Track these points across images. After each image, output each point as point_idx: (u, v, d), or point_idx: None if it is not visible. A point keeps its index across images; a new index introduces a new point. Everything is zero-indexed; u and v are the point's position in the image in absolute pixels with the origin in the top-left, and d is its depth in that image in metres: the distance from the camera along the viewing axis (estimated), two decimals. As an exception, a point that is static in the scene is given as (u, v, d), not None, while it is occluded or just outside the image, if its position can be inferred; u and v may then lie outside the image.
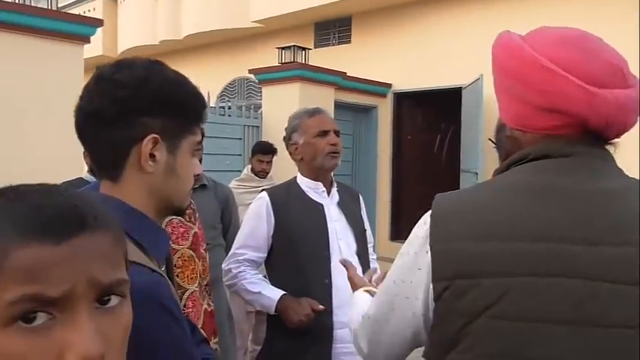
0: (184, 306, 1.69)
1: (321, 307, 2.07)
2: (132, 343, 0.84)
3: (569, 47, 0.92)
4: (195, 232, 1.84)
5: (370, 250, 2.39)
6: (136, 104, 0.94)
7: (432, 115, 8.18)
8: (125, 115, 0.93)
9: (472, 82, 6.46)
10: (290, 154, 2.33)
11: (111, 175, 0.97)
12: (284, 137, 2.35)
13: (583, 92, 0.89)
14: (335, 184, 2.34)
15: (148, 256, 0.94)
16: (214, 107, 6.51)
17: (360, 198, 2.46)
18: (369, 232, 2.40)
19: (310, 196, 2.27)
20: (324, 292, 2.13)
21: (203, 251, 1.93)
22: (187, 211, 1.84)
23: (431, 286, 0.93)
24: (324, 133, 2.23)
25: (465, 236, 0.91)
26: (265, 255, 2.25)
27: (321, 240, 2.18)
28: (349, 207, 2.33)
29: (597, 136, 0.95)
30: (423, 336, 0.99)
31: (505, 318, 0.86)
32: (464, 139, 6.77)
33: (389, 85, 7.79)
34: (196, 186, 2.88)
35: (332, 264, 2.16)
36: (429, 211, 0.98)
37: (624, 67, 0.93)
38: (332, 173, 2.34)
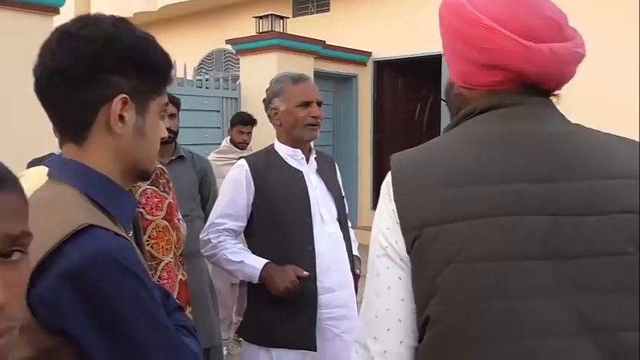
0: (159, 277, 1.65)
1: (305, 273, 2.06)
2: (97, 312, 0.81)
3: (506, 4, 0.96)
4: (169, 203, 1.79)
5: None
6: (105, 62, 0.90)
7: (412, 82, 8.13)
8: (94, 74, 0.89)
9: (452, 49, 6.40)
10: (269, 116, 2.29)
11: (76, 138, 0.93)
12: (264, 99, 2.30)
13: (520, 47, 0.93)
14: (314, 152, 2.32)
15: (114, 221, 0.91)
16: (191, 80, 6.39)
17: (335, 165, 2.45)
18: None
19: (290, 163, 2.24)
20: (307, 258, 2.12)
21: (177, 221, 1.89)
22: (161, 181, 1.80)
23: (403, 239, 0.93)
24: (306, 104, 2.19)
25: (427, 186, 0.93)
26: (245, 224, 2.22)
27: (302, 207, 2.17)
28: (327, 174, 2.32)
29: (538, 89, 0.99)
30: None
31: (476, 260, 0.88)
32: (444, 107, 6.74)
33: (369, 54, 7.72)
34: (173, 157, 2.82)
35: (314, 231, 2.15)
36: (388, 175, 1.00)
37: (562, 20, 0.96)
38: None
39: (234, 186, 2.19)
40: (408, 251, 0.93)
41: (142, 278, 0.86)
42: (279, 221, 2.15)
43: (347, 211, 2.41)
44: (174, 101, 2.84)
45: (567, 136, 0.96)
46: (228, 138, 4.41)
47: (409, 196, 0.95)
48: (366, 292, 1.00)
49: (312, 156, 2.30)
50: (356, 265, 2.30)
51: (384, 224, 0.98)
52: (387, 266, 0.96)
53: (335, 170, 2.42)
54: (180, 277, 1.80)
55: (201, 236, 2.24)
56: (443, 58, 6.91)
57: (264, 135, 2.36)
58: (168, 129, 2.77)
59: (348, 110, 7.91)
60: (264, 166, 2.21)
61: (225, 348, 4.21)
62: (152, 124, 0.98)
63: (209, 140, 5.93)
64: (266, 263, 2.10)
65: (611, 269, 0.88)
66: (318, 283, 2.13)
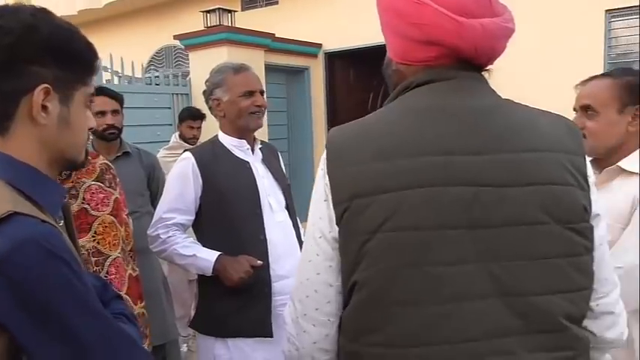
0: (107, 272, 1.64)
1: (259, 262, 2.08)
2: (25, 299, 0.80)
3: None
4: (116, 198, 1.78)
5: None
6: (23, 52, 0.89)
7: (364, 72, 8.18)
8: (12, 64, 0.89)
9: (400, 38, 6.47)
10: (210, 108, 2.28)
11: None
12: (204, 91, 2.28)
13: (453, 23, 0.96)
14: (258, 142, 2.33)
15: (42, 210, 0.90)
16: (140, 77, 6.29)
17: (279, 154, 2.48)
18: None
19: (235, 154, 2.24)
20: (259, 248, 2.14)
21: (126, 217, 1.87)
22: (107, 177, 1.78)
23: (333, 212, 0.99)
24: (249, 94, 2.19)
25: (360, 160, 0.97)
26: (193, 217, 2.21)
27: (252, 198, 2.18)
28: (272, 163, 2.35)
29: (472, 64, 1.03)
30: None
31: (401, 229, 0.92)
32: (396, 95, 6.83)
33: (319, 46, 7.72)
34: (119, 154, 2.79)
35: (264, 220, 2.17)
36: (325, 150, 1.04)
37: None
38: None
39: (181, 179, 2.17)
40: (338, 223, 0.98)
41: (70, 264, 0.85)
42: (228, 213, 2.15)
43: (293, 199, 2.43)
44: (117, 97, 2.80)
45: (496, 110, 1.01)
46: (177, 134, 4.37)
47: (342, 169, 0.99)
48: (300, 257, 1.08)
49: (257, 146, 2.31)
50: None
51: (317, 199, 1.03)
52: (310, 243, 1.03)
53: (279, 159, 2.45)
54: (130, 272, 1.78)
55: (149, 232, 2.20)
56: (392, 48, 6.97)
57: (212, 129, 2.36)
58: (112, 125, 2.74)
59: (302, 102, 7.91)
60: (211, 158, 2.20)
61: (185, 345, 4.18)
62: (77, 114, 0.98)
63: (161, 137, 5.83)
64: (219, 255, 2.10)
65: (525, 238, 0.93)
66: (271, 272, 2.15)
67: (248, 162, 2.24)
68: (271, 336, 2.11)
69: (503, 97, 1.05)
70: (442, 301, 0.92)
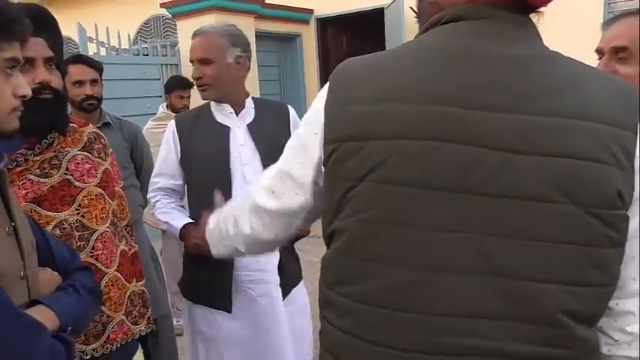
0: (93, 248, 1.55)
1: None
2: None
3: None
4: (105, 169, 1.67)
5: None
6: None
7: (357, 38, 8.03)
8: None
9: (393, 1, 6.34)
10: None
11: None
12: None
13: None
14: (250, 104, 2.19)
15: None
16: (128, 49, 6.15)
17: (291, 113, 2.25)
18: None
19: (217, 118, 2.15)
20: None
21: (120, 189, 1.77)
22: (96, 146, 1.67)
23: (322, 150, 0.95)
24: (197, 62, 2.11)
25: (363, 99, 0.89)
26: (181, 182, 2.21)
27: (222, 165, 2.09)
28: (266, 128, 2.16)
29: (522, 4, 0.89)
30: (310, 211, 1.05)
31: (387, 181, 0.85)
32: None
33: (311, 11, 7.56)
34: (99, 125, 2.68)
35: (233, 190, 2.08)
36: (328, 82, 0.97)
37: None
38: (249, 93, 2.22)
39: (165, 145, 2.20)
40: (324, 163, 0.93)
41: None
42: (200, 180, 2.12)
43: None
44: (96, 66, 2.67)
45: (531, 63, 0.85)
46: (165, 104, 4.26)
47: (338, 108, 0.92)
48: (285, 150, 1.07)
49: (246, 109, 2.17)
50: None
51: (307, 129, 1.00)
52: (295, 158, 1.03)
53: (287, 120, 2.23)
54: (123, 248, 1.69)
55: (147, 196, 2.28)
56: (385, 11, 6.87)
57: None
58: (91, 95, 2.62)
59: (294, 70, 7.77)
60: (191, 124, 2.16)
61: (181, 319, 4.16)
62: None
63: (151, 110, 5.69)
64: (187, 222, 2.11)
65: (528, 215, 0.81)
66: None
67: (228, 127, 2.12)
68: (229, 311, 2.08)
69: (549, 49, 0.89)
70: (418, 267, 0.84)
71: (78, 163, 1.56)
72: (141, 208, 2.87)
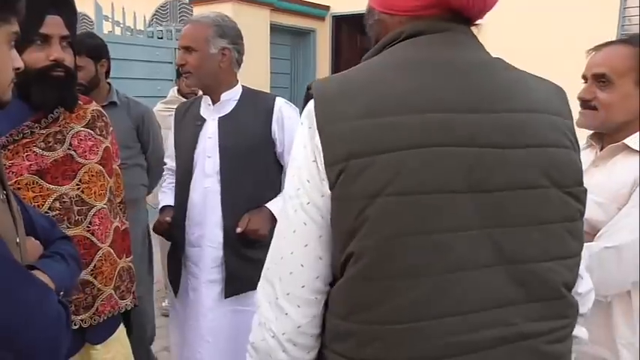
0: (90, 223, 1.58)
1: (167, 219, 2.21)
2: None
3: None
4: (106, 147, 1.70)
5: None
6: None
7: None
8: None
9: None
10: None
11: None
12: None
13: None
14: (231, 96, 2.15)
15: None
16: (142, 30, 6.18)
17: (276, 105, 2.12)
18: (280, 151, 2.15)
19: (200, 109, 2.20)
20: (180, 208, 2.20)
21: (117, 167, 1.80)
22: (99, 124, 1.70)
23: (326, 174, 0.88)
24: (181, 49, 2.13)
25: (355, 115, 0.87)
26: None
27: (187, 155, 2.16)
28: (239, 122, 2.12)
29: (460, 16, 0.96)
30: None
31: (404, 193, 0.84)
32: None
33: (327, 8, 7.57)
34: (105, 104, 2.70)
35: (192, 182, 2.14)
36: (309, 104, 0.92)
37: None
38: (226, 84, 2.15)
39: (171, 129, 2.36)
40: (332, 186, 0.87)
41: None
42: (176, 165, 2.28)
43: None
44: (92, 55, 2.64)
45: (490, 67, 0.95)
46: (176, 88, 4.28)
47: (334, 125, 0.88)
48: (276, 229, 0.96)
49: (222, 102, 2.15)
50: (240, 223, 2.04)
51: (303, 161, 0.92)
52: (295, 209, 0.92)
53: (270, 112, 2.12)
54: (117, 224, 1.73)
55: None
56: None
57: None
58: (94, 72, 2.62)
59: (307, 65, 7.79)
60: (184, 111, 2.26)
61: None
62: None
63: (162, 92, 5.74)
64: (166, 205, 2.29)
65: (526, 202, 0.89)
66: (186, 235, 2.16)
67: (204, 118, 2.15)
68: (175, 292, 2.25)
69: (492, 55, 0.98)
70: (446, 270, 0.86)
71: (81, 140, 1.60)
72: (143, 187, 2.89)
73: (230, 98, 2.15)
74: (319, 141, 0.88)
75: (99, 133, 1.68)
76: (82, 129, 1.62)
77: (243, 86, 2.21)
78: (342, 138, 0.86)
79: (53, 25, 1.44)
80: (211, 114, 2.15)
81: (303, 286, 0.92)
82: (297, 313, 0.92)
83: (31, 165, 1.47)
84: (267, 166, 2.09)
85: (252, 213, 2.05)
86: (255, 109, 2.13)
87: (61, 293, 1.13)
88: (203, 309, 2.15)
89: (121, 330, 1.71)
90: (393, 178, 0.84)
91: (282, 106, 2.11)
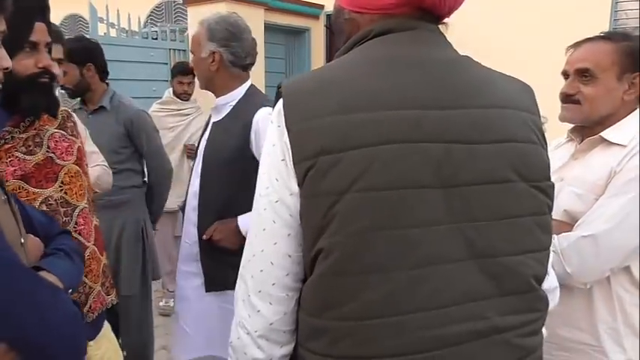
0: (76, 223, 1.60)
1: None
2: None
3: None
4: (79, 147, 1.71)
5: None
6: None
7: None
8: None
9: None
10: None
11: None
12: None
13: None
14: (227, 100, 2.18)
15: None
16: (137, 31, 6.20)
17: (255, 117, 2.08)
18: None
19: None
20: (185, 207, 2.31)
21: (86, 166, 1.83)
22: (69, 124, 1.70)
23: (294, 172, 0.89)
24: None
25: (324, 112, 0.88)
26: None
27: (194, 154, 2.35)
28: (223, 129, 2.16)
29: (429, 14, 0.98)
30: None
31: (373, 189, 0.85)
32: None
33: (321, 7, 7.57)
34: (95, 107, 2.72)
35: (190, 181, 2.26)
36: (279, 103, 0.93)
37: None
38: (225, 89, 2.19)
39: None
40: (300, 184, 0.88)
41: None
42: None
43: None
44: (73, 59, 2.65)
45: (458, 64, 0.96)
46: (171, 89, 4.32)
47: (303, 123, 0.88)
48: (249, 227, 0.98)
49: (217, 107, 2.22)
50: (207, 231, 2.10)
51: (272, 159, 0.92)
52: (264, 207, 0.93)
53: (248, 124, 2.09)
54: (95, 222, 1.75)
55: None
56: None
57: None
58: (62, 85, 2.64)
59: (301, 64, 7.80)
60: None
61: (172, 300, 4.22)
62: None
63: (157, 93, 5.75)
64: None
65: (496, 197, 0.90)
66: (183, 233, 2.29)
67: (210, 121, 2.27)
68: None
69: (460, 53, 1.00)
70: (417, 265, 0.87)
71: (57, 141, 1.60)
72: (136, 188, 2.92)
73: (226, 103, 2.17)
74: (287, 139, 0.89)
75: (70, 133, 1.68)
76: (56, 130, 1.62)
77: (249, 89, 2.18)
78: (311, 135, 0.87)
79: (40, 31, 1.45)
80: (213, 117, 2.23)
81: (273, 284, 0.93)
82: (268, 311, 0.94)
83: (15, 170, 1.47)
84: (243, 175, 2.08)
85: (222, 223, 2.09)
86: (239, 120, 2.12)
87: (70, 291, 1.13)
88: (181, 298, 2.27)
89: (107, 326, 1.74)
90: (362, 173, 0.85)
91: (259, 119, 2.06)
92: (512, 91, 0.98)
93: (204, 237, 2.09)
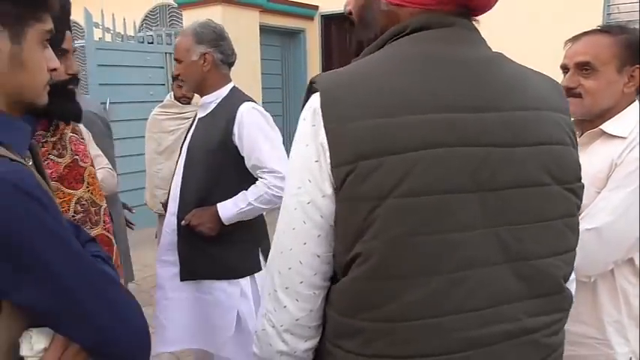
0: (104, 222, 1.64)
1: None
2: (2, 245, 0.77)
3: None
4: (87, 149, 1.75)
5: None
6: None
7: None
8: None
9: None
10: None
11: None
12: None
13: None
14: (212, 98, 2.32)
15: (9, 150, 0.87)
16: (133, 36, 6.20)
17: (239, 112, 2.21)
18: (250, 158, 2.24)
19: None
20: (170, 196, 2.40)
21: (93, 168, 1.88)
22: (77, 128, 1.74)
23: (331, 175, 0.87)
24: None
25: (362, 115, 0.86)
26: None
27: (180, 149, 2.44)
28: (209, 124, 2.29)
29: (467, 10, 0.96)
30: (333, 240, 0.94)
31: (413, 194, 0.84)
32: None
33: (316, 8, 7.60)
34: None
35: (175, 173, 2.36)
36: (313, 100, 0.91)
37: None
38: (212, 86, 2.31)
39: None
40: (338, 187, 0.87)
41: (44, 202, 0.83)
42: None
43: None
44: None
45: (493, 64, 0.94)
46: (172, 93, 4.31)
47: (341, 126, 0.86)
48: (278, 223, 0.97)
49: (203, 104, 2.36)
50: (187, 217, 2.21)
51: (304, 160, 0.90)
52: (294, 207, 0.92)
53: (232, 120, 2.21)
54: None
55: None
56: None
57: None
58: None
59: (297, 65, 7.82)
60: None
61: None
62: (32, 52, 0.93)
63: (154, 97, 5.79)
64: None
65: (530, 200, 0.90)
66: (164, 224, 2.39)
67: (197, 117, 2.38)
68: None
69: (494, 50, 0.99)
70: (453, 269, 0.87)
71: (75, 144, 1.63)
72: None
73: (211, 101, 2.32)
74: (325, 140, 0.87)
75: (81, 136, 1.72)
76: (72, 134, 1.65)
77: (233, 88, 2.34)
78: (350, 139, 0.85)
79: (69, 39, 1.50)
80: (199, 114, 2.37)
81: (301, 282, 0.93)
82: (295, 307, 0.93)
83: (51, 172, 1.50)
84: (222, 169, 2.21)
85: (201, 209, 2.21)
86: (222, 115, 2.25)
87: None
88: (158, 287, 2.35)
89: None
90: (401, 179, 0.83)
91: (244, 113, 2.20)
92: (544, 91, 0.96)
93: (183, 222, 2.19)
